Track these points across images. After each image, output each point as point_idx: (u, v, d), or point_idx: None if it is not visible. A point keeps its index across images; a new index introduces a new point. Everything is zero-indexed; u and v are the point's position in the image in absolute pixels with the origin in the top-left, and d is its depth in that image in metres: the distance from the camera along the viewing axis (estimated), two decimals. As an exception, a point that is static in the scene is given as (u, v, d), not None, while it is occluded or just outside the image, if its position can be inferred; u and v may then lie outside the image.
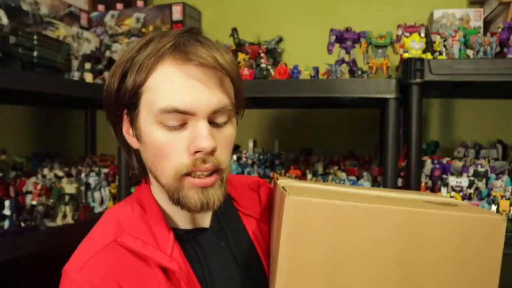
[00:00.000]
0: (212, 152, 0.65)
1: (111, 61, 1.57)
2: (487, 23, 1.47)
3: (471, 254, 0.63)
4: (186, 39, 0.65)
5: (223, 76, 0.66)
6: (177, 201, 0.67)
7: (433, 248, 0.62)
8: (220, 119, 0.67)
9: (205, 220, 0.75)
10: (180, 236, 0.70)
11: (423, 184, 1.22)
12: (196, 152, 0.64)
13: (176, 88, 0.63)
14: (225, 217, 0.77)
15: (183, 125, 0.65)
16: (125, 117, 0.70)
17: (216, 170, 0.66)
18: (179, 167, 0.64)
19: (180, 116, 0.64)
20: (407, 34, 1.23)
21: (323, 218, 0.61)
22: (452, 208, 0.65)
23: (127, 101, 0.66)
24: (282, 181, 0.74)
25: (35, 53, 1.19)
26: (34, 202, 1.24)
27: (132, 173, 1.46)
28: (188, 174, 0.65)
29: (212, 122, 0.66)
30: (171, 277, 0.64)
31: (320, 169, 1.49)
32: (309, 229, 0.61)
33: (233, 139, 0.70)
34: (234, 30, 1.52)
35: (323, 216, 0.61)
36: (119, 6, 1.85)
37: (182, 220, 0.73)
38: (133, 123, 0.68)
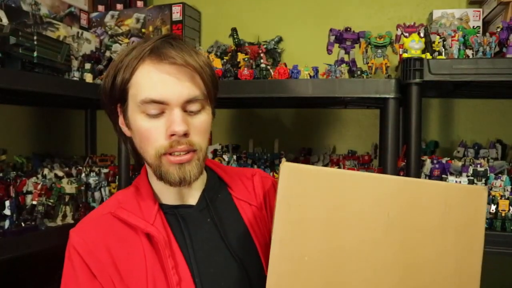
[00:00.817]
0: (185, 135, 0.76)
1: (111, 61, 1.57)
2: (486, 23, 1.47)
3: (456, 221, 0.67)
4: (162, 43, 0.78)
5: (192, 72, 0.77)
6: (160, 177, 0.79)
7: (421, 215, 0.67)
8: (193, 108, 0.78)
9: (192, 199, 0.85)
10: (166, 210, 0.82)
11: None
12: (172, 135, 0.76)
13: (153, 82, 0.76)
14: (216, 199, 0.87)
15: (161, 114, 0.77)
16: (119, 110, 0.82)
17: (192, 151, 0.78)
18: (158, 148, 0.77)
19: (157, 105, 0.76)
20: (407, 34, 1.23)
21: (316, 184, 0.66)
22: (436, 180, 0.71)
23: (118, 97, 0.79)
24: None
25: (35, 54, 1.19)
26: (34, 202, 1.24)
27: (132, 173, 1.46)
28: (166, 153, 0.77)
29: (186, 111, 0.77)
30: (154, 243, 0.76)
31: (319, 169, 1.49)
32: (303, 193, 0.66)
33: (207, 125, 0.81)
34: (234, 30, 1.52)
35: (317, 182, 0.66)
36: (119, 6, 1.85)
37: (170, 197, 0.84)
38: (124, 114, 0.81)
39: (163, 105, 0.76)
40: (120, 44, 1.61)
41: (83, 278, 0.76)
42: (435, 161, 1.26)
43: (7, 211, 1.15)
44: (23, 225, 1.18)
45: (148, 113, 0.76)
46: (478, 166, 1.20)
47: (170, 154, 0.77)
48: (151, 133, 0.77)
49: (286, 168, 0.66)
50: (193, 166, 0.79)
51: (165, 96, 0.76)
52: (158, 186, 0.84)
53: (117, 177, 1.49)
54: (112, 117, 0.85)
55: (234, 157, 1.56)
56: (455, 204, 0.67)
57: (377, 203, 0.66)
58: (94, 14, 1.84)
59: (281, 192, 0.66)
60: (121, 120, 0.83)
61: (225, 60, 1.42)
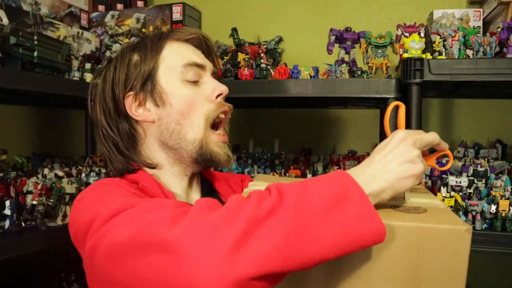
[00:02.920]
0: (224, 97, 0.82)
1: (111, 61, 1.57)
2: (487, 23, 1.47)
3: (431, 270, 0.56)
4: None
5: (209, 46, 0.88)
6: (208, 158, 0.79)
7: (388, 263, 0.57)
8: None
9: (193, 199, 0.86)
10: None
11: (423, 184, 1.22)
12: (218, 95, 0.80)
13: (188, 51, 0.82)
14: None
15: (198, 82, 0.81)
16: (130, 101, 0.80)
17: (229, 112, 0.84)
18: (208, 113, 0.79)
19: (197, 70, 0.80)
20: (407, 34, 1.23)
21: None
22: (412, 217, 0.59)
23: (142, 80, 0.79)
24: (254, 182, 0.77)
25: (35, 53, 1.19)
26: (34, 202, 1.24)
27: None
28: (212, 127, 0.80)
29: None
30: None
31: (320, 169, 1.49)
32: None
33: None
34: (234, 30, 1.52)
35: None
36: (119, 6, 1.85)
37: (178, 191, 0.83)
38: (147, 97, 0.79)
39: (201, 70, 0.81)
40: (120, 44, 1.61)
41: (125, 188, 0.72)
42: (435, 161, 1.26)
43: (7, 211, 1.15)
44: (23, 225, 1.18)
45: (190, 79, 0.79)
46: (478, 166, 1.20)
47: (215, 128, 0.81)
48: (198, 100, 0.79)
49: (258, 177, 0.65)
50: (229, 147, 0.84)
51: (203, 61, 0.82)
52: (169, 183, 0.82)
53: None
54: (111, 115, 0.81)
55: (234, 157, 1.56)
56: (430, 248, 0.55)
57: None
58: (94, 14, 1.84)
59: None
60: (134, 109, 0.80)
61: (225, 60, 1.42)
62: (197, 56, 0.82)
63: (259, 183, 0.76)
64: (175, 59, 0.80)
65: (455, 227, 0.56)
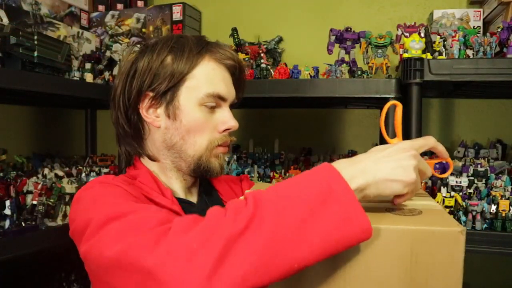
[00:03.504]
0: (230, 132, 0.85)
1: (111, 61, 1.57)
2: (487, 23, 1.47)
3: (426, 273, 0.55)
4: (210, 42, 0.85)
5: (239, 74, 0.88)
6: (204, 169, 0.82)
7: (380, 268, 0.56)
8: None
9: (192, 198, 0.89)
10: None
11: (422, 184, 1.22)
12: (226, 130, 0.83)
13: (218, 78, 0.82)
14: (212, 201, 0.89)
15: (214, 108, 0.82)
16: (147, 99, 0.81)
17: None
18: (212, 139, 0.82)
19: (217, 100, 0.82)
20: (407, 34, 1.23)
21: None
22: (406, 220, 0.58)
23: (166, 84, 0.79)
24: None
25: (35, 53, 1.19)
26: (34, 202, 1.24)
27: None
28: (218, 145, 0.83)
29: None
30: None
31: (320, 169, 1.48)
32: None
33: None
34: (234, 30, 1.52)
35: None
36: (120, 6, 1.85)
37: (177, 190, 0.86)
38: (162, 104, 0.80)
39: (222, 101, 0.83)
40: (121, 44, 1.61)
41: (121, 191, 0.73)
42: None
43: (7, 211, 1.15)
44: (23, 225, 1.18)
45: (208, 105, 0.81)
46: (479, 166, 1.20)
47: (219, 145, 0.83)
48: (207, 125, 0.81)
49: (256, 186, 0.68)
50: (224, 156, 0.86)
51: (227, 93, 0.83)
52: (168, 179, 0.85)
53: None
54: (129, 106, 0.82)
55: (235, 157, 1.56)
56: (424, 251, 0.54)
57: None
58: (94, 14, 1.84)
59: None
60: (145, 109, 0.81)
61: (225, 60, 1.42)
62: (225, 86, 0.83)
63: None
64: (203, 84, 0.80)
65: (448, 229, 0.54)
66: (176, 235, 0.55)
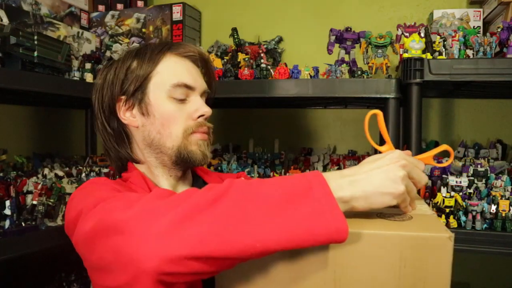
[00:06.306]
0: (206, 118, 0.88)
1: (111, 61, 1.57)
2: (487, 23, 1.47)
3: (413, 278, 0.55)
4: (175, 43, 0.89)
5: (207, 66, 0.93)
6: (185, 157, 0.85)
7: (370, 274, 0.56)
8: (203, 98, 0.90)
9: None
10: None
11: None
12: (199, 116, 0.86)
13: (181, 70, 0.86)
14: None
15: (184, 100, 0.85)
16: (121, 104, 0.87)
17: (209, 133, 0.89)
18: (187, 127, 0.85)
19: (185, 90, 0.85)
20: (407, 34, 1.23)
21: None
22: (395, 225, 0.59)
23: (135, 84, 0.84)
24: None
25: (35, 53, 1.19)
26: (34, 202, 1.24)
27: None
28: (193, 132, 0.85)
29: None
30: None
31: (320, 169, 1.49)
32: None
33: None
34: (234, 30, 1.52)
35: None
36: (120, 6, 1.85)
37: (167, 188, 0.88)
38: (135, 104, 0.86)
39: (190, 90, 0.86)
40: (121, 44, 1.61)
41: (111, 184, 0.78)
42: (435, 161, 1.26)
43: (7, 211, 1.15)
44: (23, 225, 1.17)
45: (176, 97, 0.84)
46: (479, 166, 1.20)
47: (195, 132, 0.86)
48: (179, 115, 0.84)
49: None
50: (207, 146, 0.88)
51: (194, 82, 0.86)
52: (155, 177, 0.89)
53: (116, 177, 1.48)
54: (106, 114, 0.88)
55: (235, 157, 1.56)
56: (413, 257, 0.55)
57: (321, 259, 0.58)
58: (94, 14, 1.84)
59: None
60: (122, 113, 0.87)
61: (225, 60, 1.42)
62: (190, 76, 0.86)
63: None
64: (167, 77, 0.85)
65: (436, 235, 0.55)
66: (149, 200, 0.60)
